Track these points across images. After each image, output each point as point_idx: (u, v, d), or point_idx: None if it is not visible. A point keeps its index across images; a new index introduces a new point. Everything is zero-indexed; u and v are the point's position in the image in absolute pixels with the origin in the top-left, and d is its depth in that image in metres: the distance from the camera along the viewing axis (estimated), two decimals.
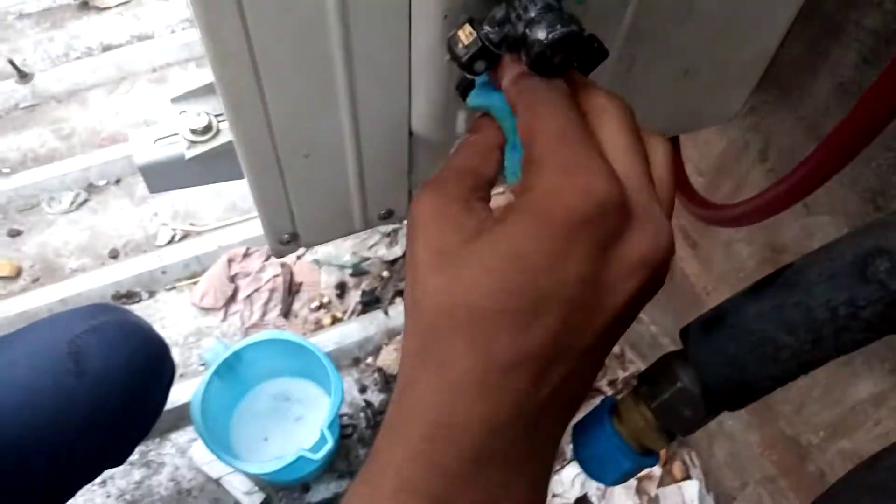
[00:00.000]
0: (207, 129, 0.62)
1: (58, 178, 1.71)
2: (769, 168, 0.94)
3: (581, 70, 0.43)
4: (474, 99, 0.38)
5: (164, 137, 0.66)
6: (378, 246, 1.57)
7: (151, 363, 0.90)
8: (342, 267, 1.53)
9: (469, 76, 0.39)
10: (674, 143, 0.70)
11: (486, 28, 0.36)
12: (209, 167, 0.65)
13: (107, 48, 2.02)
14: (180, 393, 1.33)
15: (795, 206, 0.95)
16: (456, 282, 0.28)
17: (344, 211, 0.53)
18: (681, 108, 0.59)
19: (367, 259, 1.54)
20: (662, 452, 1.29)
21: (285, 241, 0.53)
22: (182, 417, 1.31)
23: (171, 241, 1.64)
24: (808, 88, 0.84)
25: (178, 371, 1.46)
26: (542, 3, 0.34)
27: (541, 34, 0.33)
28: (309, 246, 0.55)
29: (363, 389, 1.37)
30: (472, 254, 0.28)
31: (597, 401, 1.21)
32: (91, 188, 1.73)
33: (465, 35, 0.36)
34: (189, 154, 0.64)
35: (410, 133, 0.49)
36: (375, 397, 1.35)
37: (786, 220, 0.93)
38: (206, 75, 0.47)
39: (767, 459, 1.09)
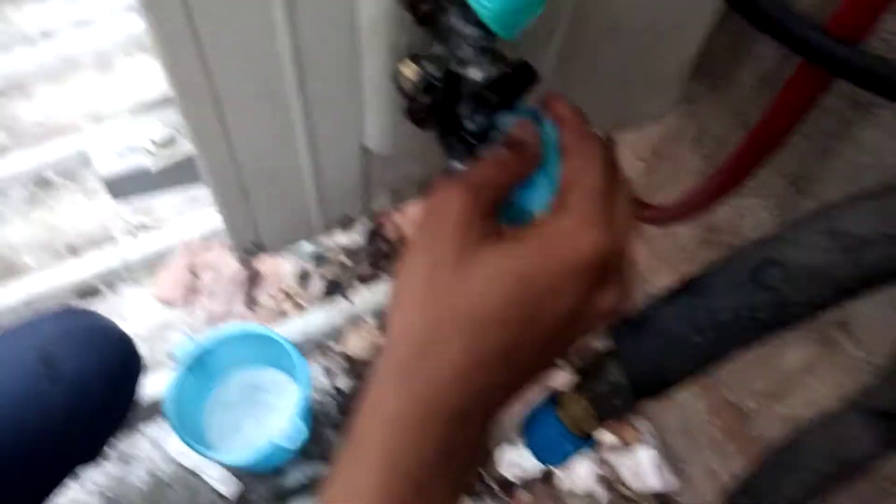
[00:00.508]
0: (171, 141, 0.64)
1: (8, 173, 1.68)
2: (704, 154, 0.99)
3: (514, 93, 0.47)
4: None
5: (127, 148, 0.68)
6: (337, 234, 1.59)
7: (122, 363, 0.91)
8: (303, 256, 1.55)
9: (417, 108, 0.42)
10: (610, 139, 0.74)
11: (428, 64, 0.40)
12: (173, 174, 0.67)
13: (47, 35, 1.95)
14: (150, 386, 1.34)
15: None
16: (466, 283, 0.32)
17: (304, 220, 0.56)
18: (616, 111, 0.64)
19: (328, 247, 1.57)
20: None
21: (251, 250, 0.56)
22: (154, 411, 1.33)
23: (130, 236, 1.64)
24: (734, 80, 0.89)
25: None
26: (474, 42, 0.38)
27: (475, 75, 0.37)
28: (272, 252, 0.59)
29: (330, 374, 1.40)
30: (486, 261, 0.33)
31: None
32: (45, 184, 1.70)
33: (409, 70, 0.40)
34: (155, 167, 0.67)
35: (363, 149, 0.52)
36: (343, 382, 1.39)
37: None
38: (156, 67, 0.49)
39: (714, 426, 1.17)
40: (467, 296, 0.32)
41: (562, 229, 0.34)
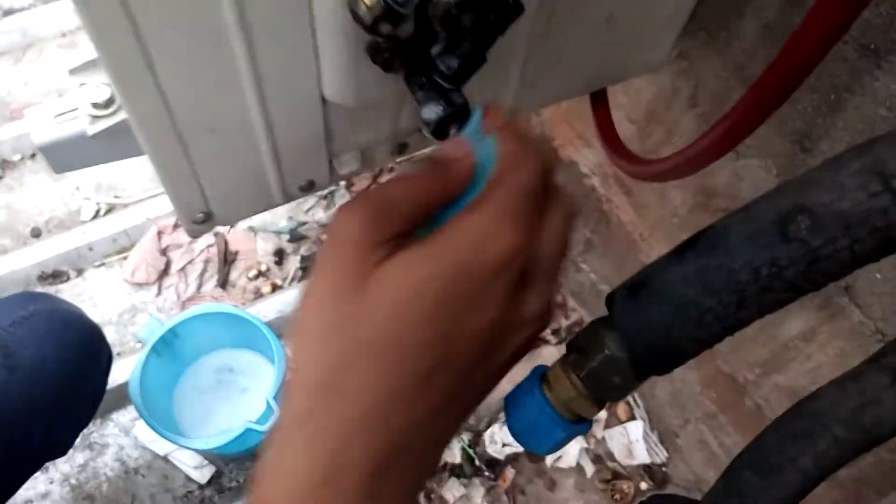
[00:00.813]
0: (110, 101, 0.57)
1: None
2: (700, 113, 0.94)
3: (496, 28, 0.41)
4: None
5: (64, 113, 0.61)
6: (315, 209, 1.53)
7: (85, 350, 0.86)
8: (279, 233, 1.49)
9: (374, 38, 0.36)
10: (601, 96, 0.68)
11: None
12: (116, 142, 0.60)
13: (8, 13, 1.87)
14: (119, 372, 1.29)
15: None
16: (369, 308, 0.28)
17: (260, 185, 0.50)
18: (606, 59, 0.58)
19: (305, 223, 1.50)
20: None
21: (199, 220, 0.50)
22: (122, 397, 1.27)
23: (96, 216, 1.57)
24: (734, 31, 0.83)
25: (115, 350, 1.41)
26: None
27: None
28: (226, 224, 0.52)
29: None
30: (387, 281, 0.28)
31: (542, 350, 1.22)
32: (4, 164, 1.62)
33: None
34: (92, 130, 0.60)
35: (324, 100, 0.46)
36: None
37: (715, 164, 0.94)
38: None
39: (707, 397, 1.13)
40: (371, 322, 0.28)
41: (475, 227, 0.29)
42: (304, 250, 1.49)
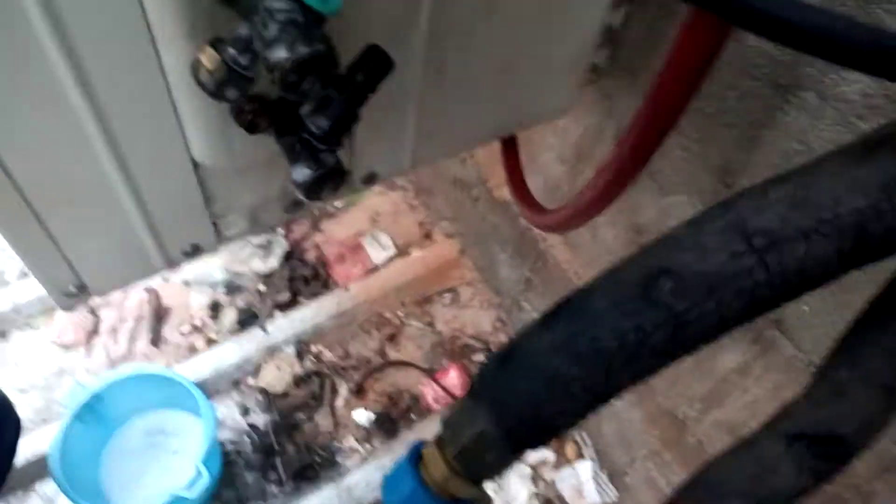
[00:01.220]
0: None
1: None
2: None
3: (369, 84, 0.39)
4: None
5: None
6: (251, 259, 1.49)
7: None
8: (214, 285, 1.44)
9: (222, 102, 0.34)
10: (511, 142, 0.67)
11: (231, 50, 0.31)
12: None
13: None
14: (42, 441, 1.22)
15: (650, 187, 0.96)
16: None
17: (136, 253, 0.47)
18: (508, 107, 0.57)
19: (241, 274, 1.46)
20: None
21: (72, 293, 0.47)
22: (45, 467, 1.20)
23: (22, 276, 1.50)
24: (653, 70, 0.84)
25: (41, 416, 1.33)
26: (283, 19, 0.29)
27: (280, 54, 0.29)
28: (103, 294, 0.49)
29: (246, 412, 1.29)
30: None
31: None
32: None
33: (208, 59, 0.31)
34: None
35: (195, 164, 0.43)
36: (259, 419, 1.29)
37: (643, 201, 0.94)
38: None
39: (651, 434, 1.11)
40: None
41: None
42: (240, 301, 1.44)
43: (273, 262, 1.48)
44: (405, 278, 1.48)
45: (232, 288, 1.44)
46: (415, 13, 0.43)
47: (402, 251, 1.58)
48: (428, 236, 1.63)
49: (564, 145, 1.06)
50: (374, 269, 1.52)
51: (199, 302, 1.42)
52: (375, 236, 1.59)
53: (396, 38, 0.44)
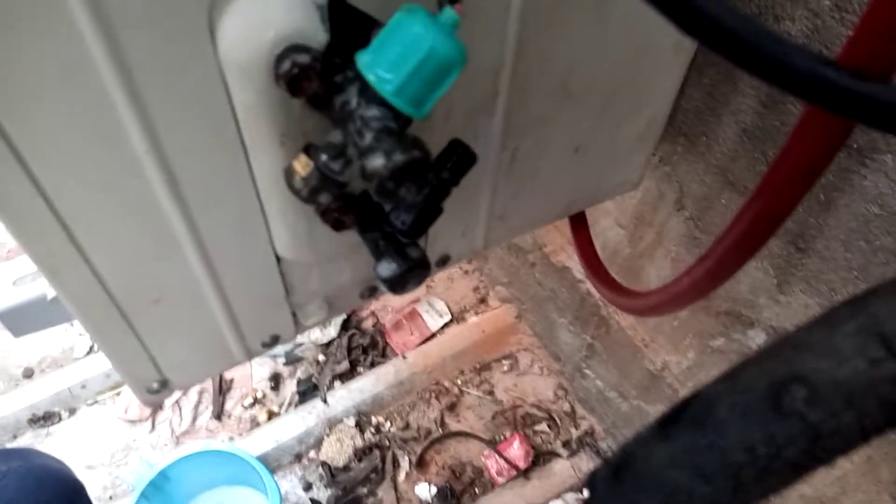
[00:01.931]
0: None
1: None
2: (687, 216, 0.91)
3: (453, 179, 0.38)
4: None
5: (23, 277, 0.59)
6: (311, 329, 1.49)
7: None
8: (274, 356, 1.45)
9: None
10: (580, 218, 0.66)
11: (324, 157, 0.31)
12: None
13: None
14: None
15: None
16: None
17: (218, 348, 0.47)
18: (578, 186, 0.56)
19: (300, 344, 1.46)
20: None
21: (154, 389, 0.47)
22: None
23: (90, 352, 1.53)
24: (713, 135, 0.82)
25: (107, 493, 1.34)
26: (377, 126, 0.29)
27: (377, 162, 0.28)
28: (184, 389, 0.49)
29: (308, 487, 1.27)
30: None
31: (553, 465, 1.14)
32: None
33: (302, 166, 0.32)
34: (52, 293, 0.57)
35: (278, 258, 0.43)
36: (322, 494, 1.26)
37: None
38: None
39: None
40: None
41: None
42: (300, 373, 1.44)
43: (331, 332, 1.48)
44: (462, 345, 1.46)
45: (292, 358, 1.44)
46: (492, 104, 0.43)
47: (457, 317, 1.57)
48: (483, 301, 1.61)
49: (623, 211, 1.04)
50: (431, 336, 1.51)
51: (260, 374, 1.43)
52: (431, 303, 1.58)
53: (473, 128, 0.43)
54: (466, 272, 1.66)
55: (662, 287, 0.44)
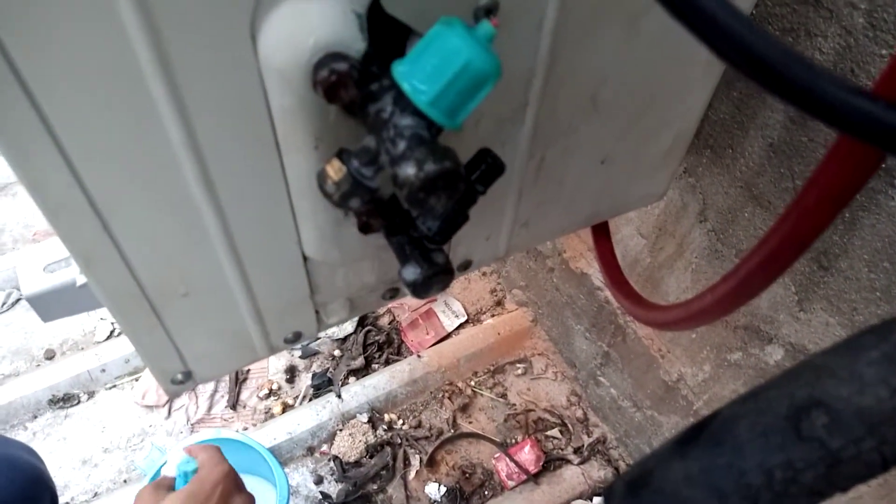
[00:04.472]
0: None
1: None
2: (710, 229, 0.91)
3: (480, 186, 0.39)
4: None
5: (54, 262, 0.61)
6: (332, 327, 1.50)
7: (24, 497, 0.80)
8: (291, 350, 1.46)
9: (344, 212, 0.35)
10: (603, 228, 0.66)
11: (356, 162, 0.32)
12: None
13: None
14: (122, 502, 1.24)
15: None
16: None
17: (242, 342, 0.48)
18: (603, 196, 0.56)
19: (317, 339, 1.47)
20: None
21: (178, 380, 0.48)
22: None
23: (110, 336, 1.56)
24: (739, 149, 0.82)
25: (122, 477, 1.36)
26: (410, 135, 0.30)
27: (409, 171, 0.29)
28: (207, 381, 0.50)
29: (319, 480, 1.29)
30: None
31: (563, 471, 1.14)
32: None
33: (335, 171, 0.32)
34: (81, 280, 0.59)
35: (305, 257, 0.44)
36: (332, 488, 1.27)
37: None
38: None
39: None
40: None
41: (196, 481, 0.70)
42: (315, 367, 1.45)
43: (348, 327, 1.49)
44: (477, 346, 1.46)
45: (308, 352, 1.45)
46: (521, 113, 0.43)
47: (473, 319, 1.57)
48: (499, 304, 1.62)
49: (645, 220, 1.04)
50: (446, 336, 1.52)
51: (276, 366, 1.44)
52: (447, 303, 1.59)
53: (501, 137, 0.44)
54: (484, 274, 1.66)
55: (684, 302, 0.44)
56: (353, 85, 0.30)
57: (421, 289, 0.39)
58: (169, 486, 0.73)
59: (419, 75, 0.30)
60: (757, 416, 0.27)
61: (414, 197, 0.29)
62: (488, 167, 0.37)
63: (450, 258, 0.40)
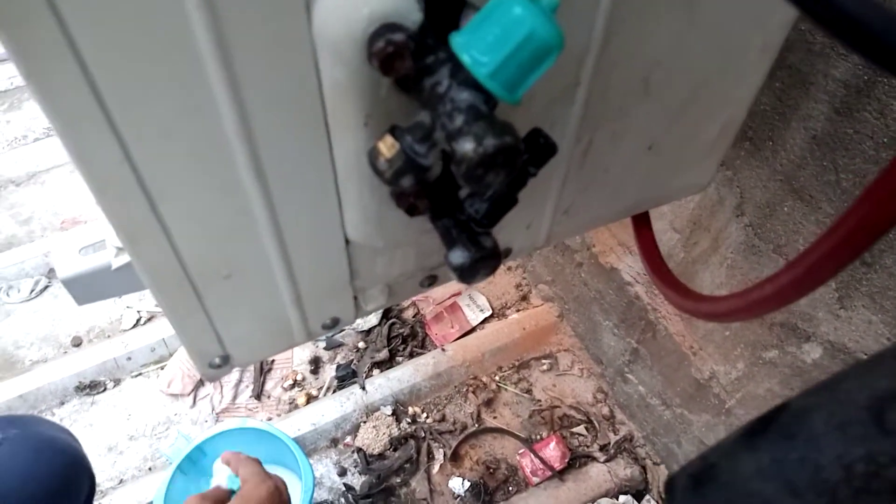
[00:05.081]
0: None
1: (17, 265, 1.64)
2: (747, 223, 0.89)
3: (532, 168, 0.38)
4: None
5: (88, 245, 0.60)
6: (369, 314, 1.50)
7: (65, 478, 0.80)
8: (316, 341, 1.46)
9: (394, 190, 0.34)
10: (644, 219, 0.65)
11: (409, 138, 0.31)
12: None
13: None
14: (147, 489, 1.25)
15: (778, 263, 0.90)
16: None
17: (281, 327, 0.47)
18: (647, 185, 0.55)
19: (342, 330, 1.47)
20: None
21: (216, 364, 0.47)
22: None
23: (136, 325, 1.57)
24: (780, 141, 0.80)
25: (147, 464, 1.37)
26: (468, 109, 0.29)
27: (468, 146, 0.28)
28: (244, 366, 0.49)
29: (343, 472, 1.28)
30: None
31: (589, 469, 1.12)
32: (52, 273, 1.66)
33: (387, 147, 0.31)
34: (116, 263, 0.58)
35: (347, 241, 0.43)
36: (356, 480, 1.27)
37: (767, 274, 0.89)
38: None
39: None
40: None
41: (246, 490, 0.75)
42: (340, 358, 1.45)
43: (372, 319, 1.49)
44: (502, 341, 1.45)
45: (332, 344, 1.45)
46: (572, 93, 0.42)
47: (498, 313, 1.56)
48: (525, 299, 1.60)
49: (678, 214, 1.02)
50: (471, 330, 1.51)
51: (300, 357, 1.44)
52: (472, 297, 1.57)
53: (550, 118, 0.42)
54: (510, 268, 1.64)
55: (741, 292, 0.43)
56: (409, 56, 0.29)
57: (468, 273, 0.38)
58: (215, 498, 0.74)
59: (479, 46, 0.29)
60: (833, 406, 0.26)
61: (472, 173, 0.28)
62: (540, 148, 0.36)
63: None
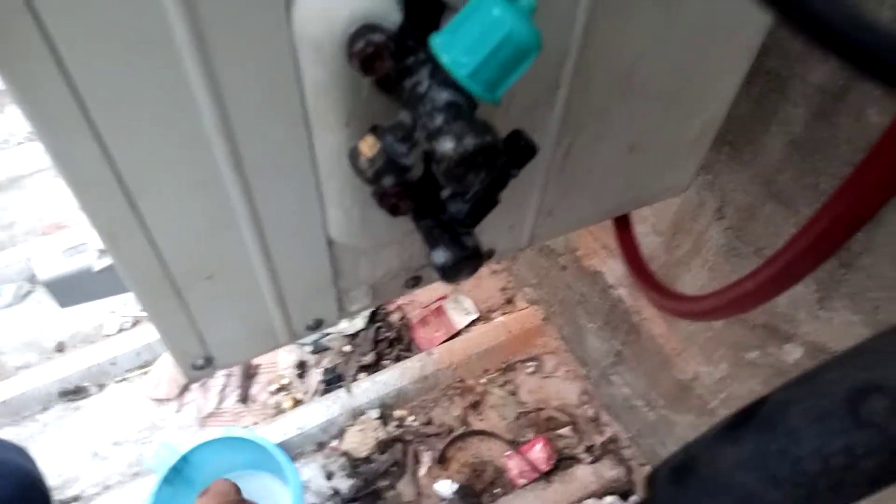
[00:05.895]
0: None
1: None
2: (727, 226, 0.90)
3: (513, 168, 0.38)
4: None
5: (70, 248, 0.60)
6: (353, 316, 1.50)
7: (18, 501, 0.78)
8: (301, 344, 1.45)
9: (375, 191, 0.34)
10: (624, 221, 0.65)
11: (390, 138, 0.31)
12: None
13: None
14: (132, 496, 1.24)
15: (758, 263, 0.91)
16: None
17: (264, 328, 0.47)
18: (628, 186, 0.55)
19: (328, 334, 1.47)
20: None
21: (199, 365, 0.47)
22: None
23: (120, 330, 1.55)
24: (760, 145, 0.81)
25: (132, 470, 1.36)
26: (448, 109, 0.29)
27: (448, 145, 0.28)
28: (227, 367, 0.49)
29: (330, 476, 1.28)
30: None
31: (575, 470, 1.13)
32: (35, 279, 1.64)
33: (368, 147, 0.31)
34: (99, 265, 0.58)
35: (330, 241, 0.43)
36: (343, 484, 1.27)
37: None
38: None
39: None
40: None
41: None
42: (326, 362, 1.44)
43: (358, 323, 1.48)
44: (488, 344, 1.45)
45: (318, 348, 1.44)
46: (552, 96, 0.42)
47: (483, 316, 1.56)
48: (510, 302, 1.61)
49: (660, 217, 1.03)
50: (457, 333, 1.51)
51: (286, 360, 1.43)
52: (458, 300, 1.58)
53: (530, 120, 0.43)
54: (495, 272, 1.65)
55: (721, 290, 0.43)
56: (389, 57, 0.29)
57: (451, 272, 0.38)
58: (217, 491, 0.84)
59: (459, 47, 0.29)
60: (812, 398, 0.26)
61: (452, 173, 0.28)
62: (521, 149, 0.37)
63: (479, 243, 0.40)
